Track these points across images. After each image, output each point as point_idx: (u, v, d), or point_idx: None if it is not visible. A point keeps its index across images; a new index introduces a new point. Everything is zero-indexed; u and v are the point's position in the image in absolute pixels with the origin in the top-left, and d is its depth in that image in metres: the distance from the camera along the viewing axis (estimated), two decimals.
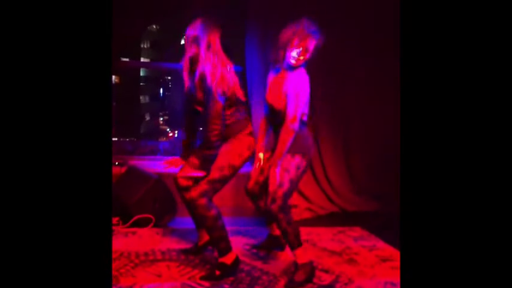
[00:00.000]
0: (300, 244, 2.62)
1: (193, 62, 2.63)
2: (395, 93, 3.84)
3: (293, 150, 2.61)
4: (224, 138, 2.62)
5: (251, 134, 2.72)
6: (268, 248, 3.16)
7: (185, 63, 2.69)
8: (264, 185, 2.90)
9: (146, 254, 2.99)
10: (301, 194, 4.43)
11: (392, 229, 3.41)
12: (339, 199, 4.47)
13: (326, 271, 2.79)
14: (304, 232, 3.63)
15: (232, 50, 2.72)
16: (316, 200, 4.44)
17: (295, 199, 4.40)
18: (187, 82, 2.69)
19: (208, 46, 2.55)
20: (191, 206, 2.64)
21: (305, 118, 2.67)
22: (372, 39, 4.52)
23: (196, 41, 2.57)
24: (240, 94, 2.66)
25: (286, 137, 2.53)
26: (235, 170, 2.65)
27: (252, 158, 2.81)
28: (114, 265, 2.76)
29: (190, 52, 2.59)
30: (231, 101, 2.61)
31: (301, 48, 2.54)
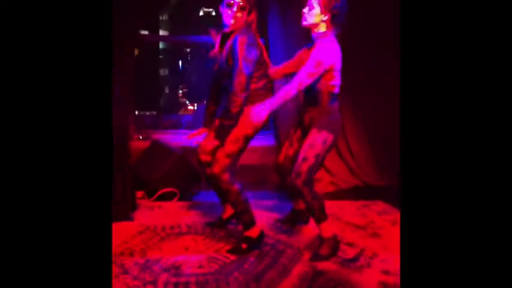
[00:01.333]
0: (325, 218, 2.63)
1: (226, 35, 2.62)
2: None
3: (320, 124, 2.61)
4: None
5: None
6: (292, 222, 3.18)
7: (214, 34, 2.72)
8: (293, 159, 2.90)
9: (172, 228, 3.04)
10: (325, 167, 4.42)
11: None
12: (362, 173, 4.46)
13: (350, 245, 2.80)
14: (328, 206, 3.60)
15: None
16: (339, 174, 4.42)
17: (318, 173, 4.41)
18: (218, 56, 2.69)
19: (251, 21, 2.60)
20: (215, 181, 2.66)
21: (336, 90, 2.65)
22: (372, 39, 4.43)
23: (243, 9, 2.57)
24: (266, 68, 2.70)
25: (288, 90, 2.46)
26: (249, 141, 2.66)
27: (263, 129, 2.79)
28: (140, 238, 2.83)
29: (228, 20, 2.58)
30: (259, 71, 2.63)
31: (307, 6, 2.59)
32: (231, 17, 2.57)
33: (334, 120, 2.67)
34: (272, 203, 3.73)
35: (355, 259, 2.61)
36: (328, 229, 2.65)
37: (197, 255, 2.60)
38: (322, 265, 2.51)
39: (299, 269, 2.46)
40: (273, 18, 4.51)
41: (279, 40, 4.49)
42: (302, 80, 2.47)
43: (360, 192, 4.17)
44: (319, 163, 2.65)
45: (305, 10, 2.61)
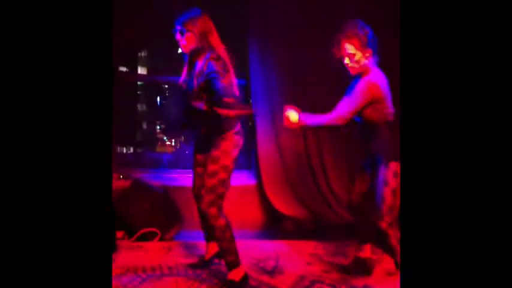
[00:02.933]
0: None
1: (193, 55, 2.63)
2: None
3: (386, 157, 2.54)
4: (212, 136, 2.63)
5: (238, 133, 2.68)
6: (353, 272, 2.92)
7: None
8: (367, 196, 2.78)
9: (153, 269, 2.99)
10: (306, 206, 4.44)
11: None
12: (343, 211, 4.46)
13: (333, 286, 2.77)
14: (310, 246, 3.63)
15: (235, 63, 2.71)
16: (320, 212, 4.45)
17: (299, 212, 4.41)
18: (183, 75, 2.70)
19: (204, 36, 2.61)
20: (203, 217, 2.66)
21: (391, 118, 2.60)
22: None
23: (181, 33, 2.61)
24: (236, 92, 2.64)
25: (324, 121, 2.55)
26: (229, 171, 2.63)
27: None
28: (120, 280, 2.76)
29: (193, 46, 2.61)
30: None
31: (346, 57, 2.59)
32: (180, 44, 2.65)
33: (396, 147, 2.54)
34: (253, 242, 3.70)
35: None
36: None
37: None
38: None
39: None
40: (254, 57, 4.57)
41: (259, 79, 4.55)
42: (344, 114, 2.51)
43: (342, 231, 4.15)
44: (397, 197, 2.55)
45: (347, 61, 2.60)
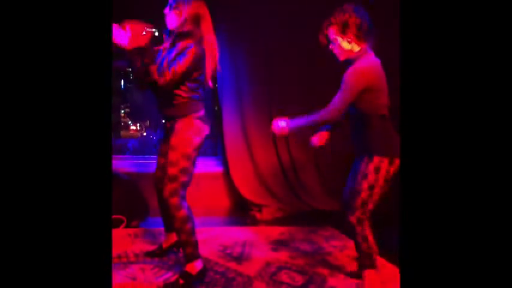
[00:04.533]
0: (372, 266, 2.41)
1: (179, 37, 2.53)
2: None
3: (372, 149, 2.35)
4: (172, 121, 2.58)
5: (201, 118, 2.59)
6: (358, 275, 2.66)
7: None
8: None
9: (119, 257, 2.96)
10: (272, 194, 4.48)
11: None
12: (309, 198, 4.52)
13: (299, 272, 2.82)
14: (277, 232, 3.67)
15: None
16: (287, 200, 4.50)
17: (266, 199, 4.45)
18: (161, 54, 2.59)
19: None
20: (164, 206, 2.60)
21: (385, 112, 2.39)
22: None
23: (195, 20, 2.50)
24: (209, 78, 2.57)
25: (316, 118, 2.31)
26: (191, 159, 2.53)
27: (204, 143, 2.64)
28: None
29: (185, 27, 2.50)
30: (194, 80, 2.53)
31: (331, 43, 2.43)
32: (165, 18, 2.54)
33: (388, 144, 2.35)
34: (220, 229, 3.71)
35: (304, 286, 2.61)
36: (373, 281, 2.42)
37: (145, 286, 2.53)
38: None
39: None
40: (220, 39, 4.54)
41: (226, 62, 4.53)
42: (336, 106, 2.28)
43: (308, 218, 4.22)
44: (376, 196, 2.36)
45: (331, 47, 2.43)
